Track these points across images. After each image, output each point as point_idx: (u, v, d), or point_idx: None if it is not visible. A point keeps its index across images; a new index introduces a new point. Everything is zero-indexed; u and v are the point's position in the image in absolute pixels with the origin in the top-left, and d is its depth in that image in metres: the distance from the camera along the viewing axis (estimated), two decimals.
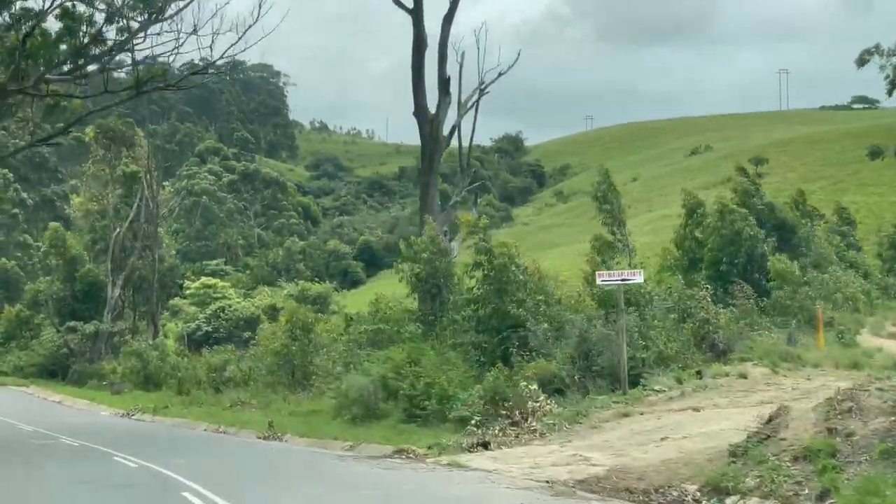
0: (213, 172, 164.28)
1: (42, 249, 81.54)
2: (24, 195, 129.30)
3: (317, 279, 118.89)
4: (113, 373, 67.10)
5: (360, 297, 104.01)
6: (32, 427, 41.82)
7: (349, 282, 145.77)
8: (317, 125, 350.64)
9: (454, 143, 50.36)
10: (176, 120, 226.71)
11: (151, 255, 72.19)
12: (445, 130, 48.62)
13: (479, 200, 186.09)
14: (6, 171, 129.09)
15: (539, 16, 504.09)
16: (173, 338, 77.52)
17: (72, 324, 71.88)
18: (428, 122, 47.62)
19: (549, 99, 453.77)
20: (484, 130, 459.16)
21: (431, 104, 48.28)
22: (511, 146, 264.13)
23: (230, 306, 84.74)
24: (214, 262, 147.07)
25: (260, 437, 35.11)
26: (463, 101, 49.32)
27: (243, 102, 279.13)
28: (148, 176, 77.29)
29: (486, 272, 34.94)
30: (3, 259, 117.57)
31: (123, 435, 38.47)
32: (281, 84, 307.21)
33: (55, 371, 75.61)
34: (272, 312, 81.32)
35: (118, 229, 73.71)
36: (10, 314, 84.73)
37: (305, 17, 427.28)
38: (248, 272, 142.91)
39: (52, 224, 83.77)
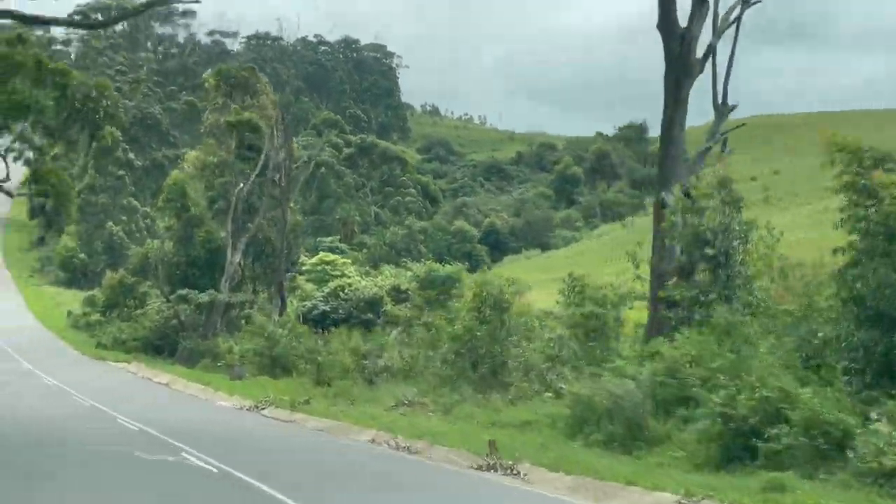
0: (332, 145, 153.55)
1: (157, 205, 70.62)
2: (132, 156, 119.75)
3: (439, 262, 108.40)
4: (230, 352, 55.96)
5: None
6: (140, 425, 30.42)
7: (472, 266, 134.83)
8: (428, 108, 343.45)
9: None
10: (290, 94, 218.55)
11: (282, 216, 60.73)
12: (698, 52, 35.77)
13: (609, 187, 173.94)
14: (114, 129, 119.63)
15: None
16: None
17: (183, 292, 60.75)
18: (677, 39, 34.89)
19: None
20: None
21: (682, 18, 35.53)
22: (636, 134, 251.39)
23: (350, 285, 75.39)
24: (329, 238, 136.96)
25: (477, 467, 23.12)
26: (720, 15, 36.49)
27: (356, 82, 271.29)
28: (276, 127, 65.98)
29: (866, 223, 21.12)
30: (110, 223, 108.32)
31: (274, 449, 27.03)
32: (394, 65, 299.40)
33: (160, 347, 64.82)
34: (396, 294, 72.17)
35: (242, 185, 62.42)
36: (111, 280, 74.27)
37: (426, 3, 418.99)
38: (364, 251, 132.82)
39: (174, 173, 72.97)
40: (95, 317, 74.76)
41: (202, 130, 72.14)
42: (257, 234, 63.99)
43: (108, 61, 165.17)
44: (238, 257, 61.84)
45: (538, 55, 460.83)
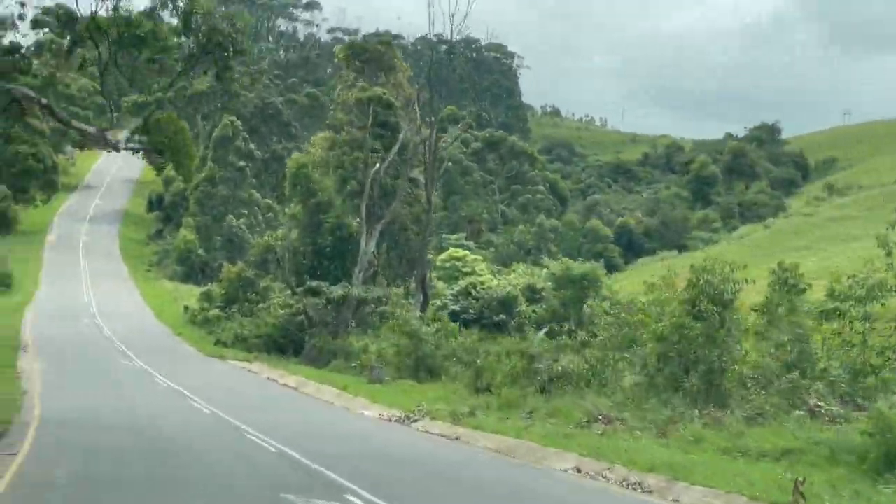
0: (461, 140, 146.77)
1: (281, 192, 64.23)
2: (253, 146, 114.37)
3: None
4: (365, 352, 49.27)
5: (626, 283, 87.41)
6: (276, 444, 23.59)
7: (605, 267, 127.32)
8: (548, 109, 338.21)
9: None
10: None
11: (426, 199, 53.76)
12: None
13: (748, 188, 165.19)
14: (234, 118, 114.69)
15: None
16: None
17: (314, 284, 54.01)
18: None
19: (797, 92, 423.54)
20: (717, 124, 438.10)
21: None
22: (768, 135, 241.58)
23: (482, 283, 69.25)
24: (454, 236, 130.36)
25: None
26: None
27: (475, 81, 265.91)
28: (414, 105, 59.32)
29: None
30: (230, 216, 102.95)
31: (463, 485, 19.95)
32: (514, 66, 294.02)
33: (284, 345, 58.32)
34: (531, 294, 67.79)
35: (377, 165, 55.57)
36: (230, 273, 68.03)
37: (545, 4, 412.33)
38: (491, 250, 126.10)
39: (295, 155, 66.71)
40: (214, 312, 68.79)
41: (331, 108, 65.84)
42: (392, 222, 57.16)
43: None
44: (373, 246, 55.11)
45: (657, 57, 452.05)
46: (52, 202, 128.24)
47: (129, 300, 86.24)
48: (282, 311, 58.41)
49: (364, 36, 65.93)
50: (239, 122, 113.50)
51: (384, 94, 59.04)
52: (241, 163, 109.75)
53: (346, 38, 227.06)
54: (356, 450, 24.79)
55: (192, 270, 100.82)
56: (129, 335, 62.82)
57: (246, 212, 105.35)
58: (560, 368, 34.38)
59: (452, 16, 56.28)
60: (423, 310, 51.33)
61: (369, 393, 39.06)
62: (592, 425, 28.11)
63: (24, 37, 33.10)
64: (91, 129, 27.95)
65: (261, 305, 63.05)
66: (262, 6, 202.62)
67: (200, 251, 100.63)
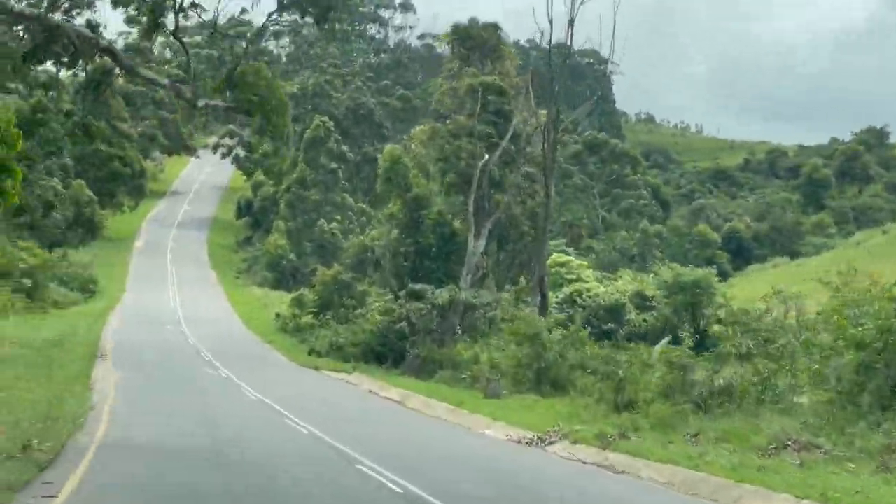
0: (560, 142, 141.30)
1: (377, 188, 59.09)
2: (345, 148, 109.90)
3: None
4: (476, 362, 43.86)
5: (738, 290, 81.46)
6: (399, 479, 18.22)
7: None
8: (642, 116, 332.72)
9: None
10: None
11: (545, 192, 48.21)
12: None
13: (861, 192, 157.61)
14: (326, 118, 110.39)
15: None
16: None
17: (417, 287, 48.67)
18: None
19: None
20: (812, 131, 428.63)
21: None
22: (876, 139, 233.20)
23: (588, 290, 66.01)
24: (553, 242, 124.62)
25: None
26: None
27: (569, 87, 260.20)
28: (526, 92, 54.07)
29: None
30: (322, 220, 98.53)
31: None
32: (608, 72, 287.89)
33: (383, 354, 53.12)
34: (640, 301, 63.70)
35: (487, 157, 50.12)
36: (325, 276, 63.04)
37: (636, 10, 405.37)
38: (592, 256, 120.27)
39: (389, 147, 61.72)
40: (307, 319, 63.98)
41: (431, 100, 60.79)
42: (500, 217, 51.69)
43: (320, 53, 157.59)
44: (482, 244, 49.65)
45: (752, 63, 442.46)
46: (140, 208, 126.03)
47: (217, 307, 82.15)
48: (380, 318, 53.19)
49: (469, 20, 61.17)
50: (331, 123, 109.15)
51: (495, 80, 53.74)
52: (333, 165, 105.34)
53: (436, 44, 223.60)
54: (495, 484, 19.38)
55: (283, 276, 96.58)
56: (215, 343, 58.25)
57: (339, 217, 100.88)
58: (721, 382, 28.58)
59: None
60: (541, 314, 45.69)
61: (488, 409, 33.54)
62: (782, 453, 22.37)
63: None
64: (164, 82, 23.17)
65: (357, 311, 58.02)
66: (352, 12, 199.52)
67: (291, 256, 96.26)
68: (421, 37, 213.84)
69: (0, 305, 60.18)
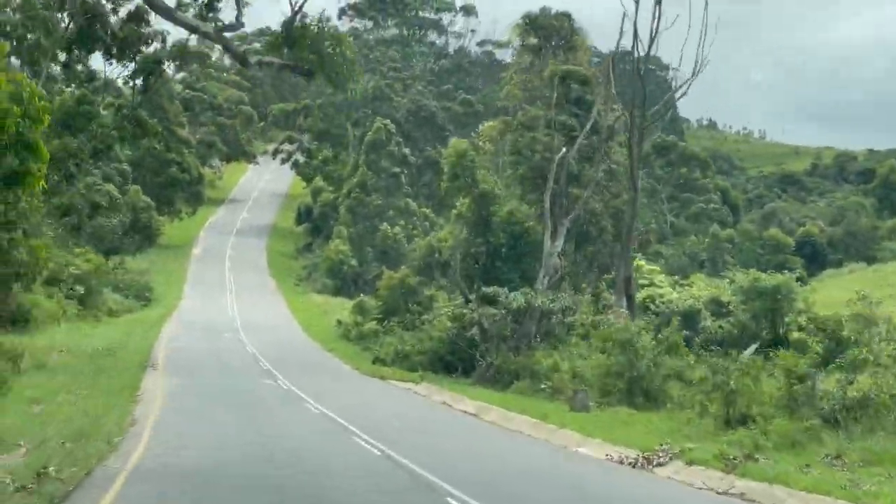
0: (623, 144, 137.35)
1: (444, 184, 55.43)
2: (407, 151, 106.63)
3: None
4: (556, 371, 40.13)
5: (817, 296, 77.38)
6: None
7: None
8: (704, 122, 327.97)
9: None
10: None
11: (632, 186, 44.48)
12: None
13: None
14: (387, 121, 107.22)
15: None
16: None
17: (489, 291, 44.96)
18: None
19: None
20: None
21: None
22: None
23: (661, 296, 61.99)
24: None
25: None
26: None
27: (627, 94, 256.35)
28: (605, 84, 50.46)
29: None
30: (385, 224, 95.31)
31: None
32: (669, 78, 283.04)
33: (451, 363, 49.49)
34: (716, 307, 59.14)
35: (565, 150, 46.40)
36: (391, 280, 59.54)
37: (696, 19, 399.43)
38: (661, 262, 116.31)
39: (455, 141, 58.23)
40: (370, 326, 60.59)
41: (503, 93, 57.35)
42: (579, 215, 47.94)
43: (380, 56, 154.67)
44: (559, 244, 45.89)
45: (816, 69, 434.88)
46: (197, 215, 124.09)
47: (276, 314, 79.23)
48: (450, 324, 49.55)
49: (541, 9, 57.65)
50: (392, 126, 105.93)
51: (579, 69, 50.27)
52: (395, 168, 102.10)
53: (496, 50, 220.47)
54: None
55: (344, 283, 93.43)
56: (274, 351, 55.09)
57: (403, 222, 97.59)
58: (856, 394, 24.63)
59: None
60: (632, 316, 41.91)
61: (577, 423, 29.76)
62: None
63: None
64: (207, 29, 19.85)
65: (424, 317, 54.47)
66: (412, 19, 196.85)
67: (353, 261, 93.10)
68: (481, 43, 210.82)
69: (51, 312, 57.49)
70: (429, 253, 59.31)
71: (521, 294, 44.77)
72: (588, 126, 48.36)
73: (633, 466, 23.24)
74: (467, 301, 48.07)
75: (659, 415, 31.66)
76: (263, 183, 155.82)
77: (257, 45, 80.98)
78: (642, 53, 49.75)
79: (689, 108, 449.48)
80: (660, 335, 37.72)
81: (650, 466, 22.99)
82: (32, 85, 20.39)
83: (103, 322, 64.27)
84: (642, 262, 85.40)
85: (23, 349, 39.40)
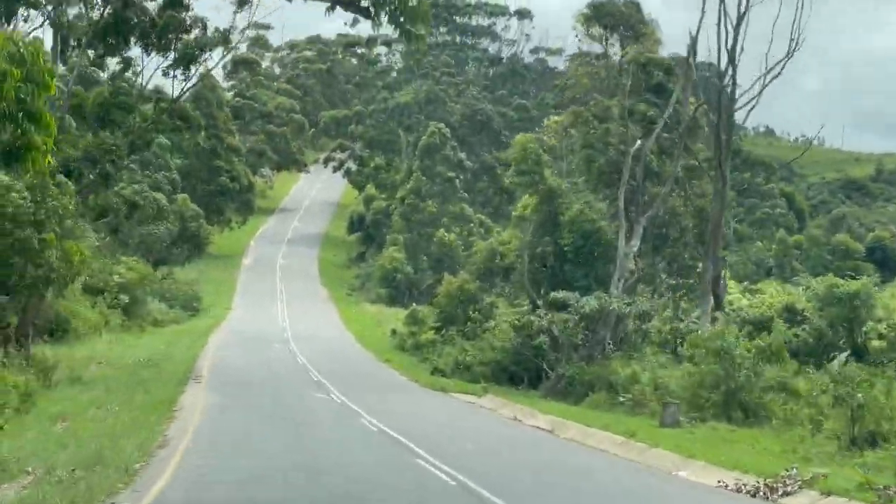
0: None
1: (508, 179, 51.89)
2: (462, 155, 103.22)
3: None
4: (635, 382, 36.47)
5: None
6: None
7: None
8: (761, 130, 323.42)
9: None
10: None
11: (720, 177, 40.69)
12: None
13: None
14: (442, 125, 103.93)
15: None
16: None
17: (560, 295, 41.29)
18: None
19: None
20: None
21: None
22: None
23: (730, 304, 58.48)
24: None
25: None
26: None
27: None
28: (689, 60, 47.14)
29: None
30: (441, 230, 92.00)
31: None
32: (725, 86, 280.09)
33: (516, 374, 45.90)
34: (789, 315, 55.20)
35: (639, 142, 42.71)
36: (450, 286, 55.99)
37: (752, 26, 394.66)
38: (726, 269, 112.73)
39: (519, 135, 54.68)
40: (427, 335, 57.16)
41: (569, 83, 53.82)
42: (657, 213, 44.20)
43: (433, 61, 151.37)
44: (635, 244, 42.15)
45: (874, 76, 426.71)
46: (248, 225, 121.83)
47: (328, 324, 76.11)
48: (514, 332, 45.92)
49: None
50: (447, 130, 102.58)
51: (662, 58, 46.87)
52: (451, 173, 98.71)
53: (549, 58, 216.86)
54: None
55: (398, 292, 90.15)
56: (326, 362, 51.75)
57: (458, 229, 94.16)
58: None
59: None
60: (713, 321, 38.06)
61: (671, 442, 25.97)
62: None
63: None
64: None
65: (486, 325, 50.89)
66: (465, 25, 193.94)
67: (408, 268, 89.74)
68: (534, 50, 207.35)
69: (93, 322, 54.71)
70: (489, 257, 55.77)
71: (594, 298, 41.06)
72: (668, 112, 44.62)
73: (754, 496, 19.48)
74: (535, 307, 44.38)
75: (763, 431, 27.98)
76: (315, 192, 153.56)
77: None
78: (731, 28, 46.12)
79: (744, 115, 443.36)
80: (756, 341, 33.84)
81: (775, 495, 19.22)
82: (36, 44, 17.09)
83: (148, 332, 61.60)
84: None
85: (56, 361, 36.66)
